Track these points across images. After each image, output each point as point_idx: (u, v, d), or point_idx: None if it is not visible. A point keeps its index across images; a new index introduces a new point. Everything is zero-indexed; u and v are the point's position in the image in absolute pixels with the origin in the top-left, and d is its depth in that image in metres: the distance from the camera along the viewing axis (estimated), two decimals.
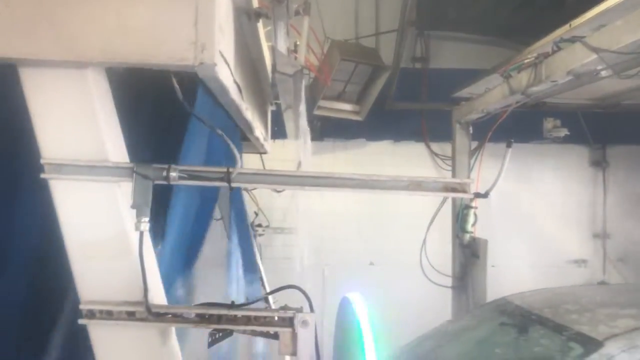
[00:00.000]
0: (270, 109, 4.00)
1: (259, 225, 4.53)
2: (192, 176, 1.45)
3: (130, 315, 1.45)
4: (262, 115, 3.56)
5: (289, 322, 1.44)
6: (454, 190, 1.48)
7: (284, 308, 1.47)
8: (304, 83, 3.15)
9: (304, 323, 1.43)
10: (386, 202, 5.38)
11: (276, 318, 1.46)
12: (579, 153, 5.71)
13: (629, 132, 5.44)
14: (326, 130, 5.50)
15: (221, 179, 1.45)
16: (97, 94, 1.46)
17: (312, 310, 1.46)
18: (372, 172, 5.02)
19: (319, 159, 5.45)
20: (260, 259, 4.38)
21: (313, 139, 5.52)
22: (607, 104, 5.05)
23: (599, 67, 2.63)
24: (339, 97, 5.19)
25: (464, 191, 1.47)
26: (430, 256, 4.82)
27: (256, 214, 4.60)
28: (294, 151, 5.04)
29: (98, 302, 1.44)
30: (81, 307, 1.44)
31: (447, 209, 5.04)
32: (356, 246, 5.33)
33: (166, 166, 1.44)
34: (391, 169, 5.57)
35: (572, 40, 2.74)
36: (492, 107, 4.01)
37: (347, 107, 5.22)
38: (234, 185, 1.45)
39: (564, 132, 5.06)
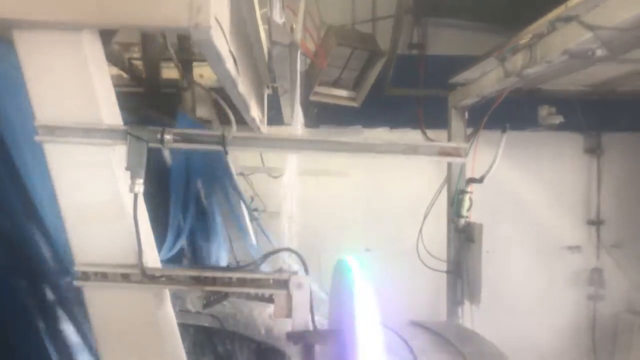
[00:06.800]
0: (267, 92, 3.99)
1: (255, 210, 4.54)
2: (186, 139, 1.45)
3: (125, 278, 1.45)
4: (259, 97, 3.55)
5: (284, 285, 1.45)
6: (449, 154, 1.49)
7: (279, 271, 1.47)
8: (299, 61, 3.14)
9: (299, 285, 1.44)
10: (382, 188, 5.39)
11: (271, 281, 1.47)
12: (573, 140, 5.71)
13: (624, 119, 5.45)
14: (322, 117, 5.48)
15: (216, 143, 1.45)
16: (92, 56, 1.45)
17: (307, 273, 1.47)
18: (368, 159, 4.97)
19: None
20: (256, 241, 4.40)
21: (309, 125, 5.52)
22: (603, 91, 5.07)
23: (594, 46, 2.63)
24: (335, 83, 5.17)
25: (459, 155, 1.48)
26: (427, 242, 4.84)
27: (252, 199, 4.61)
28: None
29: (92, 265, 1.44)
30: (75, 269, 1.44)
31: (443, 195, 5.06)
32: (352, 232, 5.33)
33: (160, 129, 1.43)
34: (387, 156, 5.57)
35: (568, 19, 2.74)
36: (487, 90, 4.01)
37: (343, 93, 5.20)
38: (229, 149, 1.45)
39: (559, 119, 5.08)
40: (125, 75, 3.61)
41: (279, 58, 2.70)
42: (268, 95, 4.06)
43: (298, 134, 5.11)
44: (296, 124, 4.33)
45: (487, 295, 4.50)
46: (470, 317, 4.78)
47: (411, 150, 1.46)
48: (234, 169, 3.67)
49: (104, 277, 1.44)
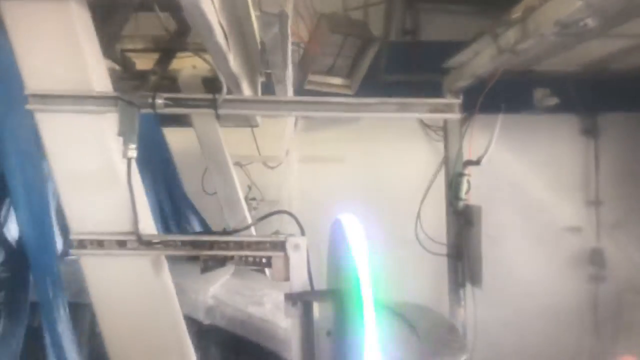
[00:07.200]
0: (260, 79, 3.98)
1: (253, 199, 4.54)
2: (178, 103, 1.44)
3: (121, 245, 1.44)
4: (252, 84, 3.54)
5: (281, 247, 1.44)
6: (441, 111, 1.48)
7: (276, 233, 1.47)
8: (290, 46, 3.13)
9: (296, 247, 1.43)
10: (379, 174, 5.39)
11: (268, 244, 1.46)
12: (569, 122, 5.71)
13: (619, 99, 5.44)
14: None
15: (207, 106, 1.44)
16: (80, 24, 1.45)
17: (303, 234, 1.46)
18: (364, 146, 4.97)
19: (311, 135, 5.44)
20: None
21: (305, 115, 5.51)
22: (596, 70, 5.08)
23: (585, 15, 2.63)
24: (329, 72, 5.16)
25: (452, 111, 1.47)
26: (426, 226, 4.84)
27: (249, 188, 4.61)
28: (286, 128, 5.05)
29: (88, 233, 1.44)
30: (71, 237, 1.43)
31: (442, 179, 5.06)
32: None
33: (151, 93, 1.42)
34: (384, 143, 5.57)
35: None
36: (481, 70, 4.01)
37: (337, 81, 5.18)
38: (220, 112, 1.44)
39: (554, 101, 5.08)
40: (117, 67, 3.60)
41: (271, 46, 2.70)
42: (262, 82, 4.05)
43: (292, 120, 5.11)
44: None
45: (488, 278, 4.49)
46: (472, 300, 4.78)
47: (403, 107, 1.46)
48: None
49: (100, 245, 1.43)
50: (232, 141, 4.34)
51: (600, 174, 5.68)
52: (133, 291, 1.47)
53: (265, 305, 2.68)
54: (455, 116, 1.46)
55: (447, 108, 1.48)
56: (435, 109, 1.48)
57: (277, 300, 2.95)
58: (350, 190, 5.37)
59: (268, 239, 1.45)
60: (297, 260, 1.43)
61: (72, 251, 1.43)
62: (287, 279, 1.44)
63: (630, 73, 5.04)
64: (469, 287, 4.73)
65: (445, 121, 4.87)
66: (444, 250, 4.92)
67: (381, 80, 5.34)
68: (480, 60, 3.95)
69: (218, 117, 1.44)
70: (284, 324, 2.42)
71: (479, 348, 4.90)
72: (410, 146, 5.55)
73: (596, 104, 5.59)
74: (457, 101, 1.46)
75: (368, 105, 1.48)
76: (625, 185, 5.65)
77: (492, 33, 3.56)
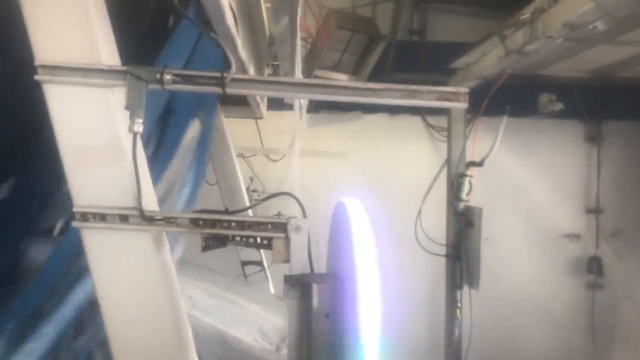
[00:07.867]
0: (267, 71, 3.98)
1: (255, 191, 4.55)
2: (185, 80, 1.44)
3: (124, 220, 1.44)
4: (260, 73, 3.56)
5: (282, 228, 1.44)
6: (448, 99, 1.48)
7: (278, 215, 1.47)
8: (299, 43, 3.14)
9: (298, 228, 1.43)
10: (381, 173, 5.39)
11: (270, 225, 1.46)
12: (574, 128, 5.71)
13: (624, 107, 5.44)
14: (322, 102, 5.48)
15: (214, 84, 1.44)
16: None
17: (304, 217, 1.46)
18: (368, 145, 4.97)
19: (314, 132, 5.44)
20: None
21: (309, 111, 5.51)
22: (603, 77, 5.08)
23: (596, 17, 2.63)
24: (335, 68, 5.16)
25: (459, 100, 1.47)
26: (426, 226, 4.84)
27: (251, 180, 4.62)
28: (290, 123, 5.05)
29: (91, 207, 1.44)
30: (74, 210, 1.43)
31: (444, 180, 5.05)
32: None
33: (160, 69, 1.43)
34: (387, 142, 5.58)
35: None
36: (488, 71, 4.01)
37: (343, 77, 5.18)
38: (228, 91, 1.44)
39: (559, 106, 5.08)
40: None
41: (281, 37, 2.70)
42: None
43: (298, 119, 5.11)
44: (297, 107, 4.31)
45: (485, 281, 4.49)
46: (469, 302, 4.78)
47: (410, 94, 1.45)
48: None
49: (102, 218, 1.43)
50: (236, 132, 4.35)
51: (601, 182, 5.67)
52: (133, 266, 1.47)
53: (200, 306, 2.51)
54: (462, 105, 1.46)
55: (454, 97, 1.47)
56: (442, 97, 1.48)
57: (228, 300, 2.80)
58: (351, 186, 5.36)
59: (270, 220, 1.45)
60: (298, 242, 1.43)
61: (74, 223, 1.43)
62: (287, 260, 1.44)
63: (636, 82, 5.04)
64: (466, 288, 4.73)
65: (450, 121, 4.87)
66: (442, 250, 4.92)
67: (387, 79, 5.34)
68: (487, 61, 3.95)
69: (225, 95, 1.44)
70: (230, 330, 2.30)
71: (474, 350, 4.90)
72: (413, 145, 5.56)
73: (601, 111, 5.59)
74: (464, 90, 1.46)
75: (374, 90, 1.48)
76: (627, 194, 5.65)
77: (499, 34, 3.56)
